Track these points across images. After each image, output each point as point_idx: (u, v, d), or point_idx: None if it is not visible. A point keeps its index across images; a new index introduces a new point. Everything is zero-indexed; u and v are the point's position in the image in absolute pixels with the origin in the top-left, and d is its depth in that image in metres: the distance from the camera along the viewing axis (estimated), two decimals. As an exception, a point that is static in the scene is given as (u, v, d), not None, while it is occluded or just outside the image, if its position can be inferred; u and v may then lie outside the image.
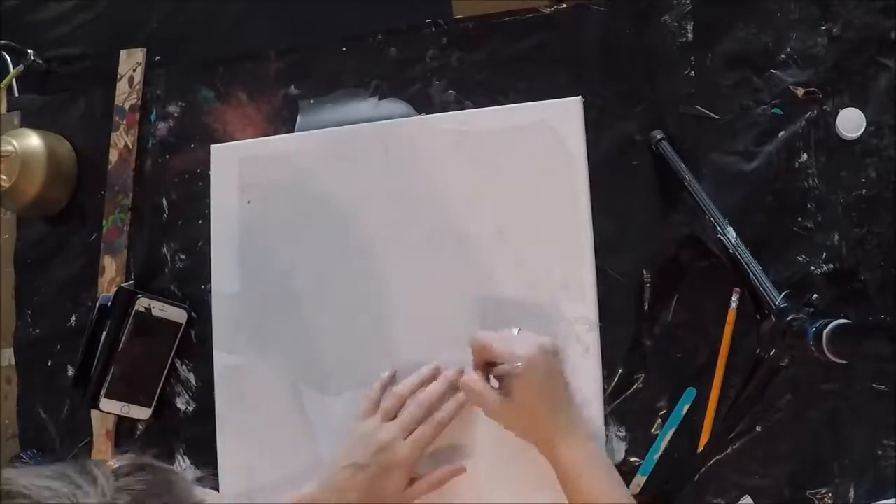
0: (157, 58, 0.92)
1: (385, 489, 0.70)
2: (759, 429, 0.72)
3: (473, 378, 0.69)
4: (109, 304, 0.83)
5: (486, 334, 0.70)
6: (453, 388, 0.73)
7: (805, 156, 0.74)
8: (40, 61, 0.99)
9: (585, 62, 0.79)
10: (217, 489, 0.81)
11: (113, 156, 0.91)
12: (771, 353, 0.66)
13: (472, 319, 0.76)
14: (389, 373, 0.76)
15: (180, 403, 0.87)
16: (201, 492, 0.78)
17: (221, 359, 0.83)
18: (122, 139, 0.91)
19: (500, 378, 0.69)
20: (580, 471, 0.66)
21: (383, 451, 0.70)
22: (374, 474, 0.69)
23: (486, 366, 0.70)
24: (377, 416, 0.72)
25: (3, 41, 0.99)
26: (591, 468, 0.66)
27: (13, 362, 0.94)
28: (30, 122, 0.95)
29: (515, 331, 0.71)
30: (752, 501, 0.72)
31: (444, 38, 0.83)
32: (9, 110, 0.98)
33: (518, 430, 0.70)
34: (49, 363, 0.91)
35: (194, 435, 0.85)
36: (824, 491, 0.71)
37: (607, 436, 0.74)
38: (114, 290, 0.85)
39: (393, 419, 0.71)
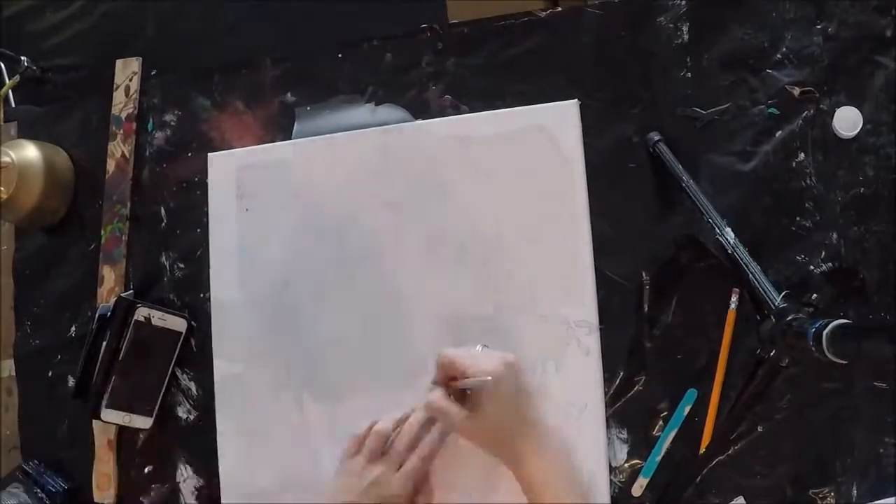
0: (153, 69, 0.92)
1: None
2: (760, 429, 0.72)
3: (437, 395, 0.68)
4: (109, 314, 0.83)
5: (453, 351, 0.69)
6: (432, 418, 0.72)
7: (802, 155, 0.74)
8: (34, 67, 0.99)
9: (581, 65, 0.79)
10: (219, 497, 0.81)
11: (110, 165, 0.91)
12: (771, 354, 0.66)
13: (471, 325, 0.76)
14: (370, 423, 0.74)
15: (181, 412, 0.87)
16: None
17: (221, 367, 0.83)
18: (119, 149, 0.91)
19: (462, 396, 0.69)
20: (545, 485, 0.66)
21: (376, 486, 0.69)
22: None
23: (450, 382, 0.69)
24: (362, 455, 0.71)
25: (-4, 48, 0.99)
26: (557, 482, 0.66)
27: (13, 373, 0.94)
28: (27, 133, 0.95)
29: (479, 347, 0.70)
30: (744, 502, 0.72)
31: (440, 44, 0.83)
32: (6, 121, 0.98)
33: (484, 445, 0.69)
34: (49, 374, 0.91)
35: (196, 444, 0.85)
36: (826, 490, 0.71)
37: (609, 438, 0.74)
38: (113, 299, 0.85)
39: (378, 459, 0.71)
